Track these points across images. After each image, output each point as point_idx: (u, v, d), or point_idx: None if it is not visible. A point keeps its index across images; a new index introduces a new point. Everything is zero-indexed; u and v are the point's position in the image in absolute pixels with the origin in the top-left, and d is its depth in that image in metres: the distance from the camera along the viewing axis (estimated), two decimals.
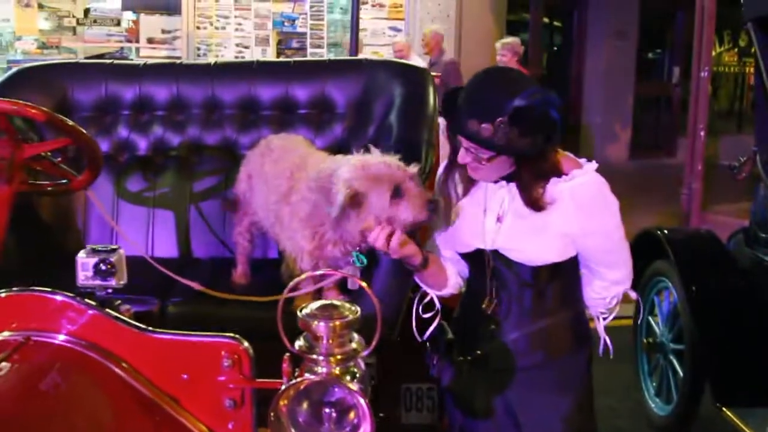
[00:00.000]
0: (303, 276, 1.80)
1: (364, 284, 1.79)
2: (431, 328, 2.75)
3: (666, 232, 4.73)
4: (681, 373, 4.47)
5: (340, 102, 3.59)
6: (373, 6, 11.15)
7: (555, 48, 15.29)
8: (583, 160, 2.52)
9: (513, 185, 2.49)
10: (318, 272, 2.46)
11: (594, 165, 2.51)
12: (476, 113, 2.34)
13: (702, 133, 8.35)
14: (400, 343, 3.30)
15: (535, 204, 2.43)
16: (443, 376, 2.72)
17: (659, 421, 4.70)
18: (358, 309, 1.71)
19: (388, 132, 3.32)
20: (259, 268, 3.32)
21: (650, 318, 4.91)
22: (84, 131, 2.69)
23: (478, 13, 11.66)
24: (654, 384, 4.86)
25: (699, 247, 4.73)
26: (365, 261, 2.69)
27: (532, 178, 2.43)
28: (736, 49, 16.40)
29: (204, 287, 2.87)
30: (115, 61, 3.90)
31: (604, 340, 2.76)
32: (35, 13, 10.58)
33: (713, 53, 14.64)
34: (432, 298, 2.78)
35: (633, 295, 2.74)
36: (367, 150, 2.65)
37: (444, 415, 3.08)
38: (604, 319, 2.73)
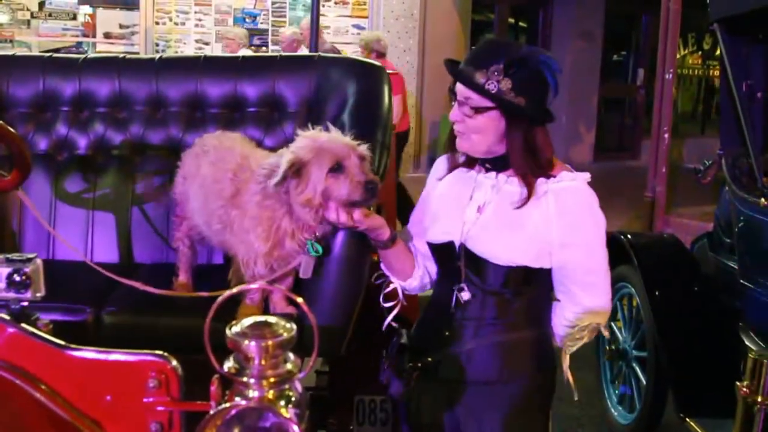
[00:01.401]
0: (235, 289, 1.63)
1: (300, 300, 1.64)
2: (389, 318, 2.66)
3: (629, 236, 4.65)
4: (644, 381, 4.39)
5: (291, 100, 3.43)
6: (336, 3, 11.04)
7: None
8: (578, 173, 2.42)
9: (501, 176, 2.41)
10: (253, 285, 2.31)
11: (586, 176, 2.41)
12: (473, 62, 2.34)
13: (666, 136, 8.34)
14: (356, 353, 3.18)
15: (527, 183, 2.35)
16: (391, 383, 2.57)
17: (622, 429, 4.63)
18: (294, 327, 1.55)
19: (341, 132, 3.18)
20: (204, 275, 3.17)
21: (613, 324, 4.83)
22: (9, 128, 2.52)
23: (442, 12, 11.58)
24: (616, 392, 4.78)
25: (662, 252, 4.67)
26: (320, 250, 2.62)
27: (522, 154, 2.34)
28: (700, 52, 16.47)
29: (148, 287, 2.73)
30: (54, 55, 3.72)
31: (568, 379, 2.60)
32: None
33: (677, 56, 14.72)
34: (395, 289, 2.67)
35: (606, 333, 2.59)
36: (326, 128, 2.58)
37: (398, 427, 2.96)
38: (570, 350, 2.56)
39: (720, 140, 4.53)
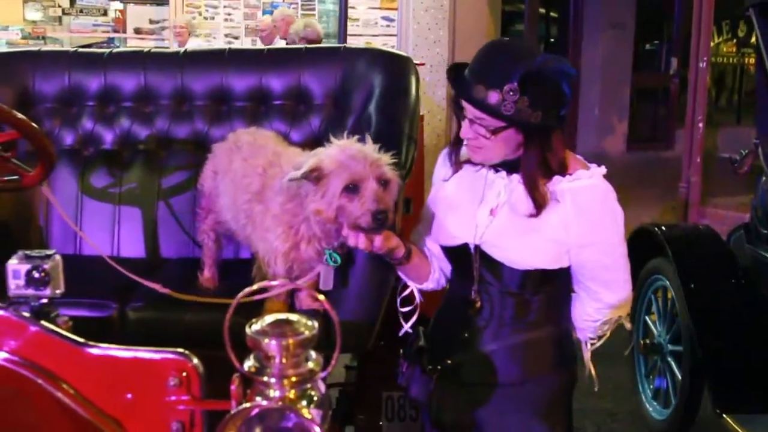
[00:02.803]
0: (255, 286, 1.59)
1: (322, 297, 1.59)
2: (410, 323, 2.61)
3: (664, 228, 4.57)
4: (679, 376, 4.31)
5: (317, 92, 3.39)
6: None
7: (552, 39, 15.12)
8: (592, 165, 2.33)
9: (514, 177, 2.32)
10: (273, 282, 2.27)
11: (602, 170, 2.32)
12: (484, 79, 2.18)
13: (701, 125, 8.22)
14: (384, 348, 3.14)
15: (539, 198, 2.25)
16: (411, 385, 2.54)
17: (657, 425, 4.56)
18: (315, 324, 1.50)
19: (367, 124, 3.13)
20: (231, 269, 3.14)
21: (647, 318, 4.77)
22: (32, 124, 2.50)
23: (472, 3, 11.48)
24: (651, 387, 4.71)
25: (698, 244, 4.57)
26: (339, 260, 2.53)
27: (536, 166, 2.25)
28: (734, 40, 16.28)
29: (167, 289, 2.70)
30: (79, 50, 3.71)
31: (590, 371, 2.56)
32: (20, 2, 10.40)
33: (711, 44, 14.57)
34: (412, 292, 2.63)
35: (628, 325, 2.52)
36: (362, 139, 2.48)
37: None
38: (592, 344, 2.51)
39: (756, 129, 4.44)
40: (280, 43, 9.01)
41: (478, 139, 2.26)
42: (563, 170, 2.29)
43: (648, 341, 4.70)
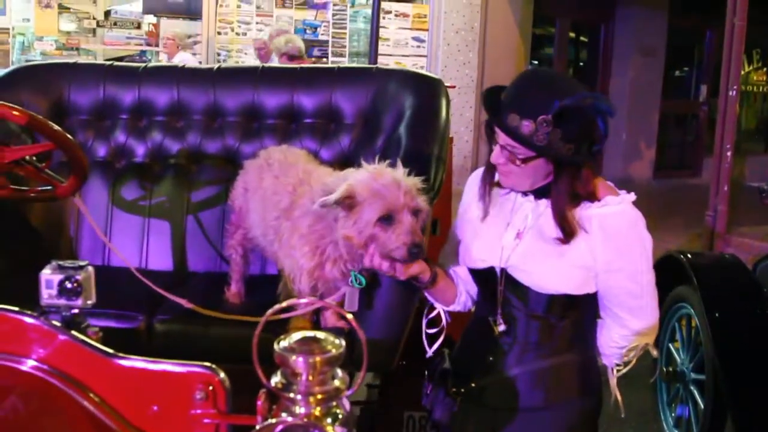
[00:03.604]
0: (284, 303, 1.61)
1: (349, 316, 1.60)
2: (436, 345, 2.61)
3: (689, 256, 4.56)
4: (702, 405, 4.29)
5: (347, 112, 3.41)
6: (396, 16, 11.01)
7: (581, 63, 15.11)
8: (622, 192, 2.33)
9: (542, 201, 2.32)
10: (302, 300, 2.29)
11: (632, 196, 2.32)
12: (519, 108, 2.19)
13: (729, 154, 8.20)
14: (408, 367, 3.15)
15: (567, 227, 2.25)
16: (435, 407, 2.51)
17: None
18: (342, 343, 1.52)
19: (397, 145, 3.15)
20: (257, 285, 3.15)
21: (671, 345, 4.75)
22: (67, 135, 2.53)
23: (502, 25, 11.51)
24: (673, 415, 4.68)
25: (723, 273, 4.56)
26: (363, 282, 2.54)
27: (565, 196, 2.25)
28: (765, 69, 16.19)
29: (193, 305, 2.72)
30: (115, 63, 3.75)
31: (615, 397, 2.55)
32: (55, 14, 10.51)
33: (741, 72, 14.50)
34: (439, 313, 2.63)
35: (654, 352, 2.51)
36: (393, 164, 2.47)
37: None
38: (618, 371, 2.50)
39: None
40: (275, 60, 9.05)
41: (508, 165, 2.27)
42: (592, 195, 2.29)
43: (671, 369, 4.68)
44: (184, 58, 9.40)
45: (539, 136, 2.17)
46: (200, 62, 10.36)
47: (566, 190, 2.25)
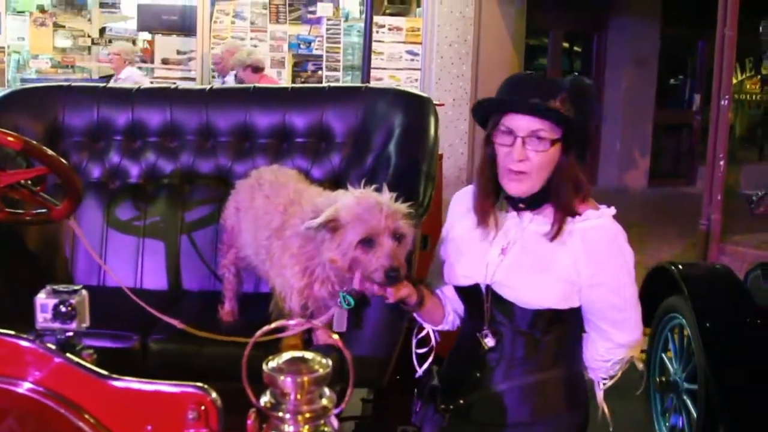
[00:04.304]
0: (273, 325, 1.65)
1: (336, 337, 1.64)
2: (426, 365, 2.63)
3: (680, 267, 4.59)
4: (695, 415, 4.32)
5: (338, 131, 3.47)
6: (390, 30, 11.07)
7: (575, 73, 15.17)
8: (602, 206, 2.37)
9: (526, 215, 2.36)
10: (291, 322, 2.33)
11: (612, 210, 2.35)
12: (538, 92, 2.24)
13: (721, 163, 8.23)
14: (401, 381, 3.18)
15: (561, 221, 2.30)
16: (424, 424, 2.55)
17: None
18: (330, 362, 1.56)
19: (387, 163, 3.20)
20: (250, 303, 3.19)
21: (663, 355, 4.77)
22: (62, 160, 2.59)
23: (496, 37, 11.56)
24: (667, 425, 4.71)
25: (713, 283, 4.59)
26: (352, 302, 2.55)
27: (570, 186, 2.31)
28: (758, 77, 16.24)
29: (186, 325, 2.76)
30: (108, 85, 3.80)
31: (603, 410, 2.57)
32: (50, 32, 10.54)
33: (735, 80, 14.54)
34: (428, 333, 2.65)
35: (640, 365, 2.55)
36: (379, 188, 2.51)
37: None
38: (604, 385, 2.53)
39: None
40: (231, 75, 9.13)
41: (530, 160, 2.26)
42: (586, 197, 2.35)
43: (664, 379, 4.71)
44: (131, 74, 9.32)
45: (567, 110, 2.25)
46: (195, 79, 10.43)
47: (570, 177, 2.31)
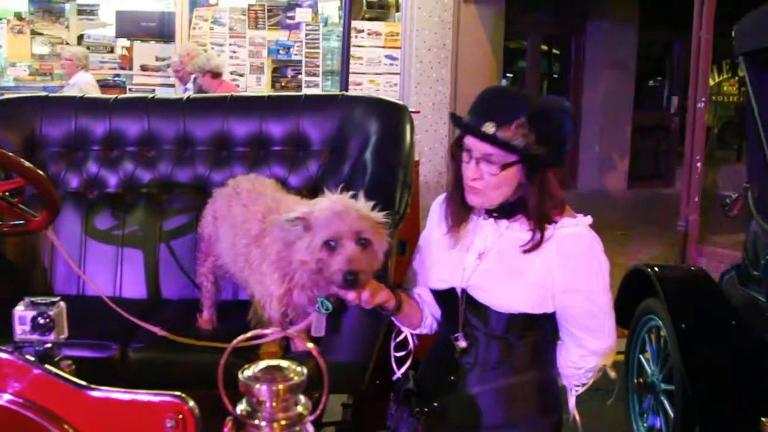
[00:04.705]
0: (249, 334, 1.67)
1: (311, 345, 1.67)
2: (404, 367, 2.65)
3: (656, 269, 4.64)
4: (672, 415, 4.36)
5: (315, 139, 3.49)
6: (369, 34, 11.10)
7: (555, 76, 15.24)
8: (579, 215, 2.40)
9: (503, 222, 2.40)
10: (266, 331, 2.35)
11: (588, 219, 2.39)
12: (493, 116, 2.26)
13: (699, 165, 8.27)
14: (380, 386, 3.21)
15: (542, 225, 2.32)
16: (399, 427, 2.57)
17: None
18: (305, 370, 1.59)
19: (363, 170, 3.23)
20: (229, 311, 3.21)
21: (641, 356, 4.82)
22: (39, 172, 2.59)
23: (475, 41, 11.61)
24: (645, 425, 4.75)
25: (689, 285, 4.64)
26: (330, 307, 2.58)
27: (540, 200, 2.32)
28: (735, 78, 16.37)
29: (167, 332, 2.78)
30: (86, 96, 3.81)
31: (574, 416, 2.60)
32: (28, 39, 10.52)
33: (713, 82, 14.65)
34: (406, 336, 2.69)
35: (612, 374, 2.58)
36: (355, 195, 2.54)
37: None
38: (577, 391, 2.56)
39: (746, 173, 4.53)
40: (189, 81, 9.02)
41: (484, 179, 2.32)
42: (561, 210, 2.38)
43: (642, 380, 4.75)
44: (78, 80, 9.26)
45: (517, 141, 2.25)
46: (174, 85, 10.41)
47: (538, 193, 2.32)
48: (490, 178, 2.31)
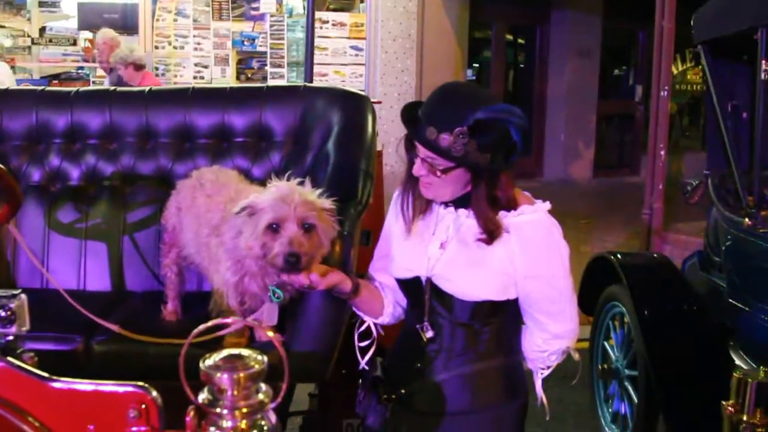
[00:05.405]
0: (202, 327, 1.68)
1: (271, 334, 1.69)
2: (367, 357, 2.67)
3: (619, 256, 4.69)
4: (636, 400, 4.41)
5: (277, 130, 3.49)
6: (334, 25, 11.10)
7: (521, 65, 15.31)
8: (538, 201, 2.43)
9: (462, 211, 2.41)
10: (226, 320, 2.36)
11: (547, 205, 2.42)
12: (436, 121, 2.27)
13: (662, 153, 8.37)
14: (346, 375, 3.23)
15: (490, 231, 2.34)
16: (368, 414, 2.59)
17: None
18: (265, 358, 1.60)
19: (326, 161, 3.24)
20: (193, 302, 3.21)
21: (605, 343, 4.87)
22: (0, 165, 2.58)
23: (439, 31, 11.65)
24: (610, 410, 4.81)
25: (651, 272, 4.71)
26: (282, 296, 2.61)
27: (485, 202, 2.34)
28: (699, 66, 16.48)
29: (124, 329, 2.79)
30: (46, 89, 3.79)
31: (541, 398, 2.63)
32: None
33: (677, 71, 14.75)
34: (369, 326, 2.69)
35: (576, 356, 2.61)
36: (302, 182, 2.57)
37: None
38: (542, 374, 2.59)
39: (706, 160, 4.59)
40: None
41: (429, 176, 2.35)
42: (511, 206, 2.39)
43: (606, 366, 4.81)
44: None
45: (457, 148, 2.25)
46: None
47: (485, 196, 2.34)
48: (434, 177, 2.34)
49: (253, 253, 2.51)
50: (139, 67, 8.45)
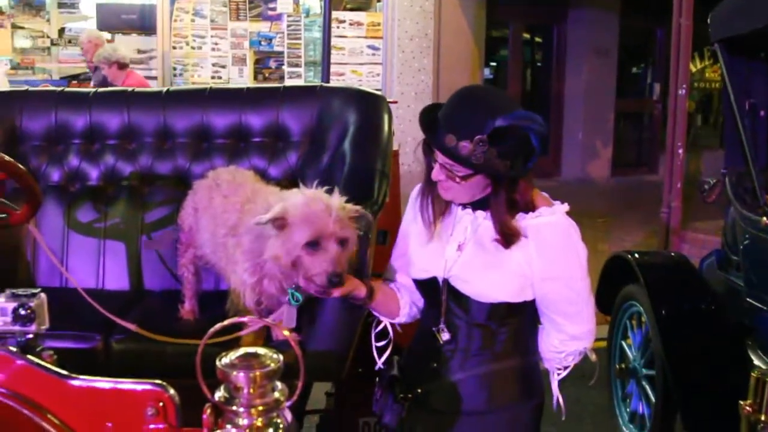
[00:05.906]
0: (218, 326, 1.70)
1: (287, 333, 1.70)
2: (384, 357, 2.68)
3: (636, 256, 4.68)
4: (653, 400, 4.40)
5: (294, 130, 3.51)
6: (351, 25, 11.11)
7: (538, 64, 15.26)
8: (557, 202, 2.42)
9: (480, 213, 2.41)
10: (242, 319, 2.37)
11: (565, 207, 2.41)
12: (455, 129, 2.26)
13: (680, 151, 8.33)
14: (362, 374, 3.24)
15: (508, 235, 2.33)
16: (384, 413, 2.59)
17: None
18: (281, 357, 1.62)
19: (342, 161, 3.25)
20: (211, 301, 3.23)
21: (623, 342, 4.86)
22: (20, 166, 2.61)
23: (456, 30, 11.64)
24: (628, 410, 4.79)
25: (670, 271, 4.69)
26: (300, 299, 2.60)
27: (504, 207, 2.34)
28: (717, 64, 16.39)
29: (142, 328, 2.80)
30: (66, 89, 3.82)
31: (557, 398, 2.64)
32: (9, 33, 10.47)
33: (695, 69, 14.68)
34: (386, 326, 2.70)
35: (593, 357, 2.62)
36: (331, 190, 2.54)
37: None
38: (559, 374, 2.59)
39: (724, 159, 4.57)
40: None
41: (448, 181, 2.35)
42: (529, 208, 2.39)
43: (624, 366, 4.79)
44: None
45: (476, 155, 2.24)
46: (156, 77, 10.40)
47: (504, 201, 2.34)
48: (453, 183, 2.34)
49: (281, 263, 2.48)
50: (122, 66, 8.41)
